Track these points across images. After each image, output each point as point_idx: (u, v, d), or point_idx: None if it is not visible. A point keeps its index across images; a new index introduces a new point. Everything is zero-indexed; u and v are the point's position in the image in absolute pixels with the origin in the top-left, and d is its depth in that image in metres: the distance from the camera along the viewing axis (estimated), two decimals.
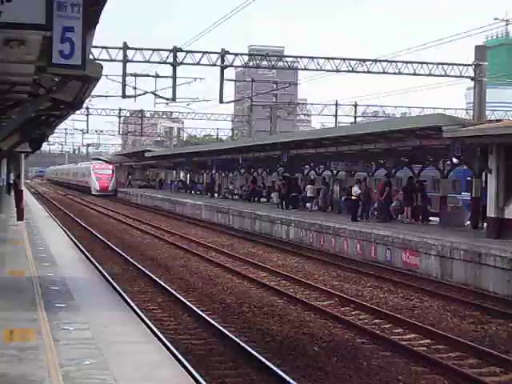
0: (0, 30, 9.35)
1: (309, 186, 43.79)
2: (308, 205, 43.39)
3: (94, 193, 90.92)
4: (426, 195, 35.15)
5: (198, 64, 40.45)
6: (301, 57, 42.62)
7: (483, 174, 29.17)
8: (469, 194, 34.44)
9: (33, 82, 14.62)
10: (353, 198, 34.78)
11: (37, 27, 9.06)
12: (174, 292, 20.01)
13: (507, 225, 25.47)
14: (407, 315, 17.97)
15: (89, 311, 12.91)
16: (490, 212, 26.16)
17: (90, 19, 10.10)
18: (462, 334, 16.07)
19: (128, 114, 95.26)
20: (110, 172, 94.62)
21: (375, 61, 41.64)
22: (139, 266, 24.84)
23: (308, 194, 43.46)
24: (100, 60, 36.88)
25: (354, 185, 35.76)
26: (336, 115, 71.49)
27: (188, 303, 18.38)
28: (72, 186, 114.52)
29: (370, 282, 23.27)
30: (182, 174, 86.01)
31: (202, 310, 17.63)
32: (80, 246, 28.37)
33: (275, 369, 12.34)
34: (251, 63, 44.97)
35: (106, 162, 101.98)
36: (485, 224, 28.05)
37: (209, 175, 70.45)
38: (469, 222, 31.65)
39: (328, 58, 41.40)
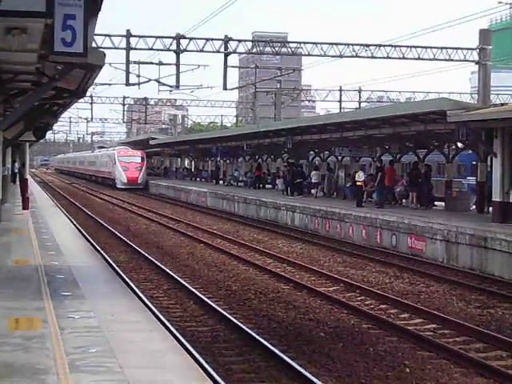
0: (1, 18, 9.33)
1: (314, 172, 43.72)
2: (313, 191, 43.36)
3: (119, 186, 74.60)
4: (429, 180, 35.05)
5: (202, 51, 40.44)
6: (304, 42, 42.59)
7: (488, 158, 29.12)
8: (474, 178, 34.40)
9: (36, 71, 14.63)
10: (358, 183, 34.72)
11: (37, 15, 9.05)
12: (180, 279, 20.02)
13: None
14: (413, 300, 17.96)
15: (94, 299, 12.91)
16: (496, 196, 26.11)
17: (92, 7, 10.08)
18: (468, 318, 16.07)
19: (132, 102, 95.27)
20: (140, 160, 76.79)
21: (379, 46, 41.55)
22: (145, 254, 24.85)
23: (313, 180, 43.42)
24: (103, 48, 36.91)
25: (359, 170, 35.69)
26: (340, 101, 71.39)
27: (194, 290, 18.38)
28: (88, 177, 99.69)
29: (376, 268, 23.26)
30: (186, 162, 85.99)
31: (207, 297, 17.64)
32: (85, 234, 28.40)
33: (281, 355, 12.34)
34: (255, 50, 44.89)
35: (134, 147, 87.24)
36: (490, 208, 28.01)
37: (213, 162, 70.46)
38: (474, 207, 31.60)
39: (332, 44, 41.35)
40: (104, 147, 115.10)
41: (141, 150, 79.75)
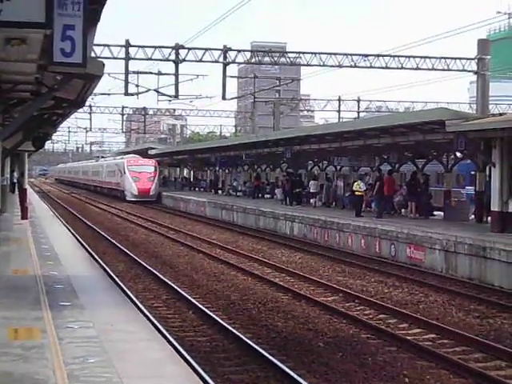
0: (0, 28, 9.35)
1: (312, 182, 43.77)
2: (312, 201, 43.37)
3: (129, 198, 68.16)
4: (427, 189, 35.07)
5: (201, 61, 40.55)
6: (303, 52, 42.69)
7: (487, 167, 29.13)
8: (473, 187, 34.41)
9: (35, 81, 14.65)
10: (357, 193, 34.71)
11: (37, 26, 9.07)
12: (179, 289, 20.01)
13: (511, 218, 25.44)
14: (412, 310, 17.95)
15: (93, 309, 12.90)
16: (494, 206, 26.12)
17: (91, 17, 10.11)
18: (467, 328, 16.06)
19: (131, 112, 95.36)
20: (152, 169, 70.70)
21: (378, 55, 41.66)
22: (144, 264, 24.84)
23: (311, 190, 43.44)
24: (102, 58, 36.94)
25: (358, 180, 35.69)
26: (339, 110, 71.52)
27: (193, 300, 18.38)
28: (93, 189, 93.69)
29: (375, 278, 23.25)
30: (185, 171, 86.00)
31: (206, 307, 17.63)
32: (84, 243, 28.39)
33: (280, 365, 12.33)
34: (254, 59, 45.05)
35: (144, 155, 78.18)
36: (489, 218, 28.02)
37: (212, 172, 70.45)
38: (473, 216, 31.60)
39: (330, 54, 41.49)
40: (104, 157, 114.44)
41: (152, 159, 73.94)
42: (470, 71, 40.69)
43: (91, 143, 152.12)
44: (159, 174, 73.94)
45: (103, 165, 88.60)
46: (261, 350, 13.28)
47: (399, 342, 14.57)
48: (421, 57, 41.43)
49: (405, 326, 16.36)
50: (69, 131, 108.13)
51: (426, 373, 12.54)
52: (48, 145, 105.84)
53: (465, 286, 21.75)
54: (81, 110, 53.51)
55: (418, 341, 14.78)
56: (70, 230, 33.26)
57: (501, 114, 29.11)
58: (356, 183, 35.00)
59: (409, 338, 15.01)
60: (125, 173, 70.11)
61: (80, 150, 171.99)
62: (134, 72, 44.36)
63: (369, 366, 12.93)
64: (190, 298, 18.74)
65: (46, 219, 36.55)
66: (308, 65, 42.49)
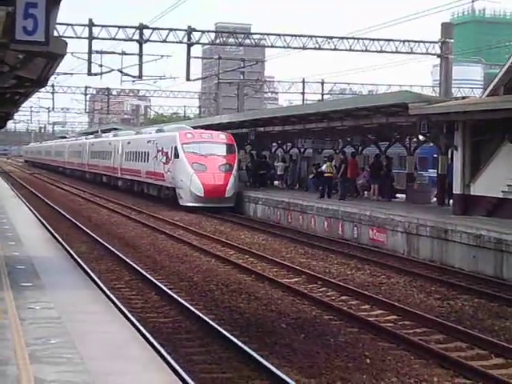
0: None
1: (279, 164, 43.82)
2: (276, 182, 43.43)
3: (187, 203, 39.21)
4: (390, 172, 35.26)
5: (165, 41, 40.26)
6: (268, 34, 42.57)
7: (449, 150, 29.35)
8: (435, 171, 34.66)
9: None
10: (327, 175, 34.59)
11: None
12: (142, 270, 19.96)
13: (473, 201, 25.69)
14: (374, 291, 18.07)
15: (55, 290, 12.84)
16: (456, 189, 26.35)
17: None
18: (428, 309, 16.20)
19: (94, 92, 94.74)
20: (227, 151, 40.45)
21: (342, 38, 41.64)
22: (106, 245, 24.72)
23: (278, 172, 43.51)
24: (65, 37, 36.52)
25: (328, 162, 35.49)
26: (303, 92, 71.63)
27: (155, 281, 18.34)
28: (99, 180, 63.33)
29: (338, 259, 23.36)
30: None
31: (169, 288, 17.60)
32: (46, 224, 28.17)
33: (243, 346, 12.36)
34: (218, 40, 44.85)
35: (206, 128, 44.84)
36: (451, 201, 28.26)
37: None
38: (435, 199, 31.85)
39: (295, 36, 41.38)
40: (65, 137, 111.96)
41: (224, 132, 42.12)
42: (433, 54, 40.82)
43: (54, 123, 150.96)
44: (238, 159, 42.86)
45: (118, 142, 56.52)
46: (223, 332, 13.30)
47: (361, 324, 14.66)
48: (385, 39, 41.48)
49: (367, 308, 16.47)
50: (31, 111, 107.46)
51: (387, 354, 12.64)
52: (10, 124, 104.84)
53: (426, 268, 21.93)
54: (43, 89, 53.01)
55: (380, 322, 14.89)
56: (32, 211, 32.98)
57: (464, 98, 29.47)
58: (327, 165, 34.82)
59: (370, 319, 15.11)
60: (177, 156, 40.49)
61: (42, 130, 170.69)
62: (97, 52, 43.91)
63: (331, 346, 13.01)
64: (152, 278, 18.70)
65: (7, 200, 36.24)
66: (272, 46, 42.38)
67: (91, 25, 39.59)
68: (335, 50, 41.55)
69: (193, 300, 16.76)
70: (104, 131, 79.30)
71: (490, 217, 24.47)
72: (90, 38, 39.79)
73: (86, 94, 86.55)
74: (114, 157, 56.32)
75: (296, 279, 19.93)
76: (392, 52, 41.65)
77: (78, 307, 11.66)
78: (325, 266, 22.14)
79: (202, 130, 43.01)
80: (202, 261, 22.74)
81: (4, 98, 20.93)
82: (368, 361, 12.20)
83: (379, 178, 34.04)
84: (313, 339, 13.51)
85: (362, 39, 41.52)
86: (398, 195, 35.33)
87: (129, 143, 53.62)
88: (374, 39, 41.48)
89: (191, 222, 33.78)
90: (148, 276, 19.09)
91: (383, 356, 12.49)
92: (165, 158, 42.59)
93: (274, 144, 49.22)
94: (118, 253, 22.98)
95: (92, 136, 75.10)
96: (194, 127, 45.78)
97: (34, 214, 31.74)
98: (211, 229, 31.55)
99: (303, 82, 71.57)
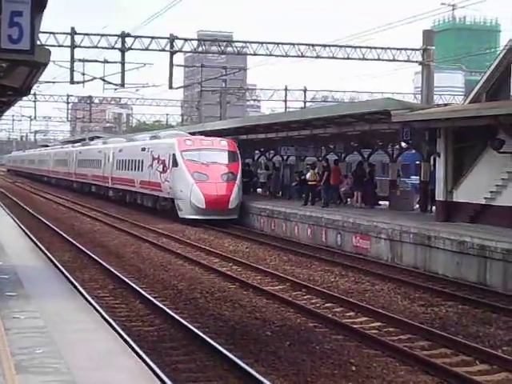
0: None
1: (262, 171, 43.83)
2: (259, 190, 43.46)
3: (187, 215, 36.62)
4: (373, 179, 35.37)
5: (147, 49, 40.21)
6: (250, 42, 42.57)
7: (432, 157, 29.47)
8: (417, 177, 34.76)
9: None
10: (310, 183, 34.67)
11: None
12: (126, 279, 19.91)
13: (455, 208, 25.79)
14: (358, 298, 18.10)
15: (40, 300, 12.80)
16: (439, 195, 26.46)
17: (39, 3, 9.98)
18: (412, 316, 16.25)
19: (76, 100, 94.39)
20: (227, 158, 37.99)
21: (324, 46, 41.71)
22: (90, 254, 24.64)
23: (261, 180, 43.51)
24: (47, 45, 36.42)
25: (311, 170, 35.53)
26: (286, 100, 71.73)
27: (140, 290, 18.30)
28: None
29: (321, 267, 23.39)
30: None
31: (153, 297, 17.58)
32: (29, 233, 28.05)
33: (228, 354, 12.35)
34: (200, 48, 44.87)
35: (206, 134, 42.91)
36: (433, 207, 28.36)
37: None
38: (417, 206, 31.96)
39: (277, 43, 41.39)
40: (48, 146, 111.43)
41: (226, 138, 39.67)
42: (415, 62, 40.97)
43: (36, 132, 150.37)
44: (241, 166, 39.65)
45: (109, 150, 54.00)
46: (208, 339, 13.29)
47: (346, 331, 14.69)
48: (367, 47, 41.60)
49: (351, 315, 16.50)
50: (13, 119, 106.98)
51: (372, 361, 12.67)
52: None
53: (410, 275, 22.00)
54: (25, 98, 52.85)
55: (365, 329, 14.92)
56: (14, 220, 32.84)
57: (445, 105, 29.54)
58: (311, 173, 34.89)
59: (355, 326, 15.15)
60: (176, 165, 37.85)
61: (24, 138, 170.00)
62: (79, 60, 43.87)
63: (316, 354, 13.02)
64: (136, 287, 18.66)
65: None
66: (254, 54, 42.37)
67: (73, 33, 39.50)
68: (317, 57, 41.61)
69: (177, 308, 16.74)
70: (90, 139, 76.63)
71: (473, 223, 24.58)
72: (73, 46, 39.69)
73: (68, 103, 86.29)
74: (105, 165, 53.93)
75: (280, 287, 19.94)
76: (374, 59, 41.74)
77: (64, 316, 11.62)
78: (309, 273, 22.17)
79: (202, 137, 40.63)
80: (186, 269, 22.72)
81: None
82: (353, 368, 12.22)
83: (362, 185, 34.13)
84: (298, 346, 13.52)
85: (345, 47, 41.59)
86: (381, 202, 35.42)
87: (120, 151, 50.97)
88: (356, 47, 41.57)
89: (175, 230, 33.71)
90: (132, 284, 19.05)
91: (368, 363, 12.52)
92: (162, 166, 39.93)
93: (257, 152, 49.25)
94: (101, 261, 22.91)
95: (79, 144, 72.80)
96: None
97: (17, 223, 31.59)
98: (195, 237, 31.52)
99: (285, 89, 71.70)
